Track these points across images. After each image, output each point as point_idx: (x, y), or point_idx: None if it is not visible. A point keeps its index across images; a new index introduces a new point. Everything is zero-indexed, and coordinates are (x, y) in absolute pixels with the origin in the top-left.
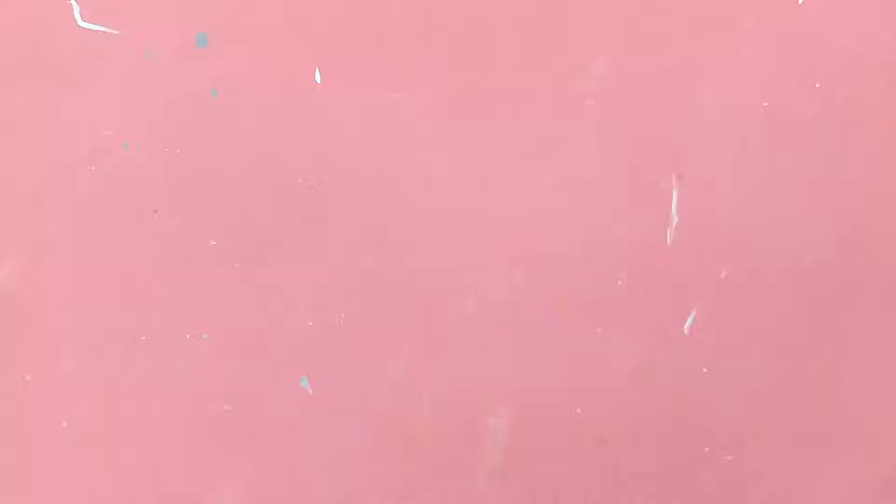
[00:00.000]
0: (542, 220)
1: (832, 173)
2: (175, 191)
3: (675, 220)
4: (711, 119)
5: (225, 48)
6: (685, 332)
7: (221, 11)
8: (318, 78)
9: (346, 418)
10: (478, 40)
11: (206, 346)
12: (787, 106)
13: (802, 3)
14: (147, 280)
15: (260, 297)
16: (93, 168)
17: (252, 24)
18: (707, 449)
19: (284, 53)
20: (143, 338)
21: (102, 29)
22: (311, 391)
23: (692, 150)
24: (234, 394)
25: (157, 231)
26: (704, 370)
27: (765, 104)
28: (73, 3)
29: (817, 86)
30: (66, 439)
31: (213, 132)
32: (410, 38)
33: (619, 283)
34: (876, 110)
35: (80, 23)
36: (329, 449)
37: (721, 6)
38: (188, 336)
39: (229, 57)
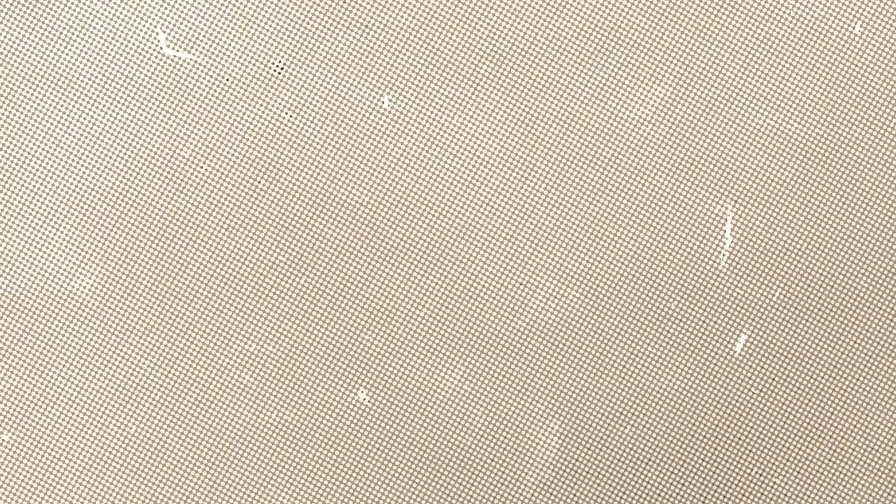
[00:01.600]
0: (598, 242)
1: (882, 200)
2: (246, 211)
3: (730, 242)
4: (764, 146)
5: (298, 76)
6: (737, 353)
7: (296, 41)
8: (386, 103)
9: (400, 431)
10: (537, 67)
11: (269, 358)
12: (837, 134)
13: (858, 32)
14: (211, 294)
15: (320, 311)
16: (168, 185)
17: (324, 52)
18: (756, 471)
19: (355, 80)
20: (212, 346)
21: (185, 55)
22: (367, 403)
23: (746, 176)
24: (293, 405)
25: (227, 248)
26: (754, 392)
27: (816, 132)
28: (160, 32)
29: (866, 115)
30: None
31: (283, 158)
32: (474, 66)
33: (673, 304)
34: None
35: (165, 50)
36: (382, 461)
37: (775, 36)
38: (253, 347)
39: (302, 84)
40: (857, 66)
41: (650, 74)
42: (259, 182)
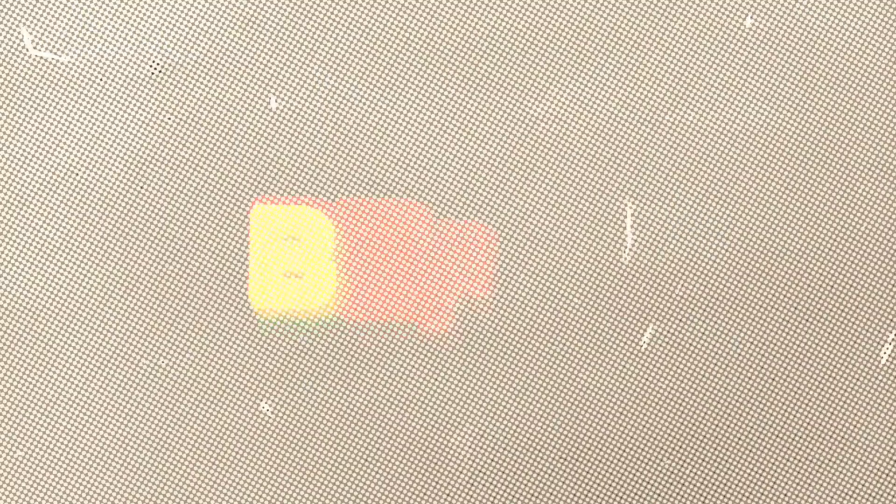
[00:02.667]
0: (506, 241)
1: (778, 190)
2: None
3: (631, 240)
4: (665, 143)
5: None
6: (643, 346)
7: (175, 40)
8: (273, 103)
9: (308, 440)
10: (447, 59)
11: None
12: (735, 129)
13: (749, 25)
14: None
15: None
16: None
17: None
18: (667, 463)
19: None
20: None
21: (53, 56)
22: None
23: (646, 175)
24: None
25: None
26: (661, 384)
27: (715, 127)
28: (25, 32)
29: (761, 110)
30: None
31: (165, 161)
32: (353, 59)
33: (579, 300)
34: (837, 130)
35: (31, 50)
36: (290, 471)
37: (672, 38)
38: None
39: (184, 84)
40: (744, 59)
41: (552, 76)
42: (136, 183)
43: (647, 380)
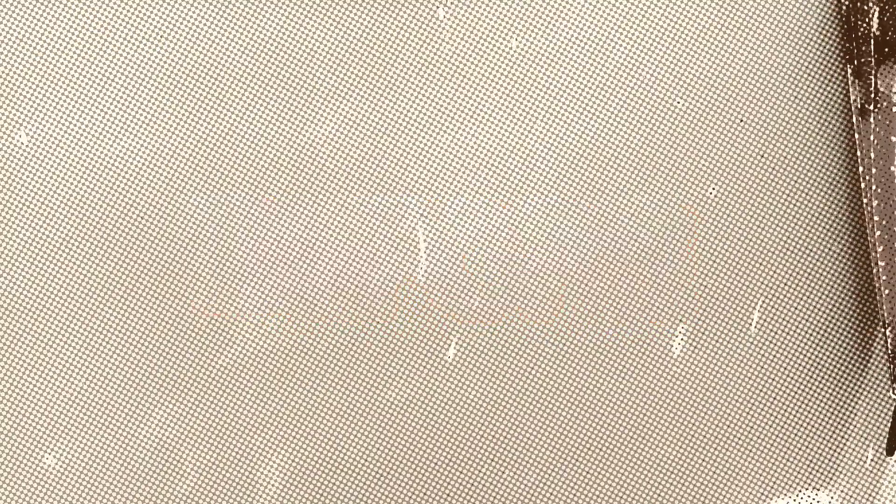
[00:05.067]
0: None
1: (585, 204)
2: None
3: (425, 257)
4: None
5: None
6: (448, 360)
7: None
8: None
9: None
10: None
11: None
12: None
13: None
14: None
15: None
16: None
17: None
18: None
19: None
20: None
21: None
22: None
23: (435, 190)
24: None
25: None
26: (472, 394)
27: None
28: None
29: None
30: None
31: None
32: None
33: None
34: (664, 126)
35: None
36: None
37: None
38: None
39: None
40: (552, 65)
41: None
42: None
43: (453, 394)
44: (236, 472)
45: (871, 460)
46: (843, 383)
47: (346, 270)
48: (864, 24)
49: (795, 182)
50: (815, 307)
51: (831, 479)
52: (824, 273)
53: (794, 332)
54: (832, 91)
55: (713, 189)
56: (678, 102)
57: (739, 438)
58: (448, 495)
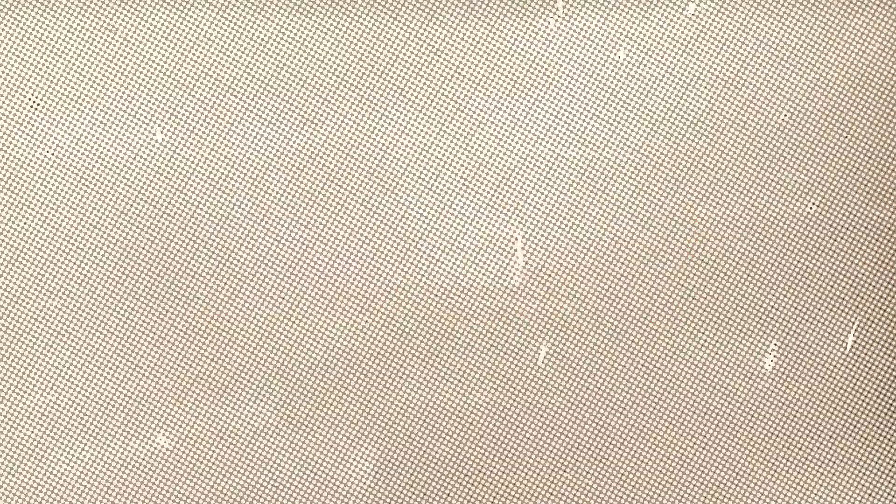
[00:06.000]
0: (387, 266)
1: (674, 208)
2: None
3: (522, 263)
4: (547, 169)
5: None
6: (539, 363)
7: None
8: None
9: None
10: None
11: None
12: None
13: (624, 58)
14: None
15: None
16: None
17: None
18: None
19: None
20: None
21: None
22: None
23: (533, 198)
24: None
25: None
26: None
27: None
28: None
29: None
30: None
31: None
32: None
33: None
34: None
35: None
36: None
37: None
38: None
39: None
40: (627, 89)
41: (436, 105)
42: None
43: (541, 396)
44: (323, 474)
45: None
46: None
47: (442, 271)
48: None
49: None
50: None
51: None
52: None
53: (891, 355)
54: None
55: (812, 205)
56: (779, 114)
57: (830, 461)
58: (535, 496)
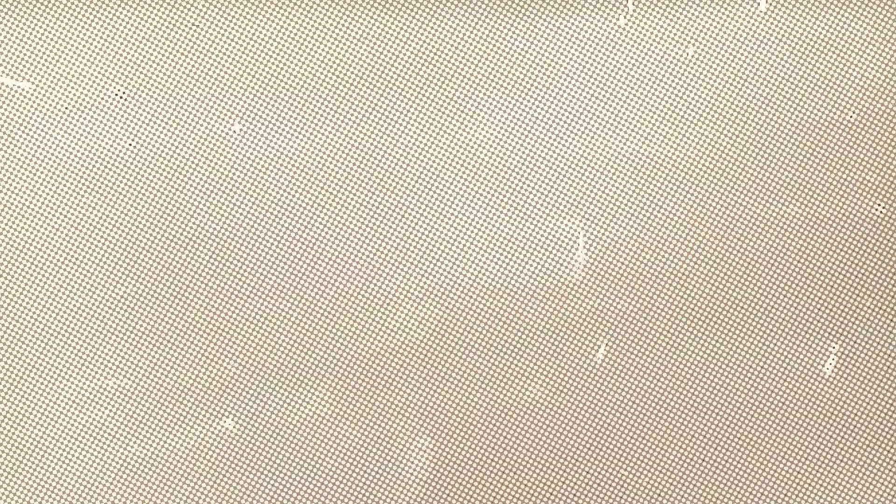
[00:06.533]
0: (454, 258)
1: (726, 216)
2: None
3: (584, 258)
4: (611, 166)
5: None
6: (597, 362)
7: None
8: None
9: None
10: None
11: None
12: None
13: (691, 58)
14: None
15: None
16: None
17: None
18: (620, 478)
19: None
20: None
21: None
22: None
23: (596, 194)
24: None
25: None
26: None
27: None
28: None
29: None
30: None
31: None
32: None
33: (533, 316)
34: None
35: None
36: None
37: (603, 52)
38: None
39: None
40: (687, 87)
41: (496, 101)
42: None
43: (600, 395)
44: (380, 474)
45: None
46: None
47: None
48: None
49: None
50: None
51: None
52: None
53: None
54: None
55: (881, 207)
56: (831, 116)
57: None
58: (593, 493)
